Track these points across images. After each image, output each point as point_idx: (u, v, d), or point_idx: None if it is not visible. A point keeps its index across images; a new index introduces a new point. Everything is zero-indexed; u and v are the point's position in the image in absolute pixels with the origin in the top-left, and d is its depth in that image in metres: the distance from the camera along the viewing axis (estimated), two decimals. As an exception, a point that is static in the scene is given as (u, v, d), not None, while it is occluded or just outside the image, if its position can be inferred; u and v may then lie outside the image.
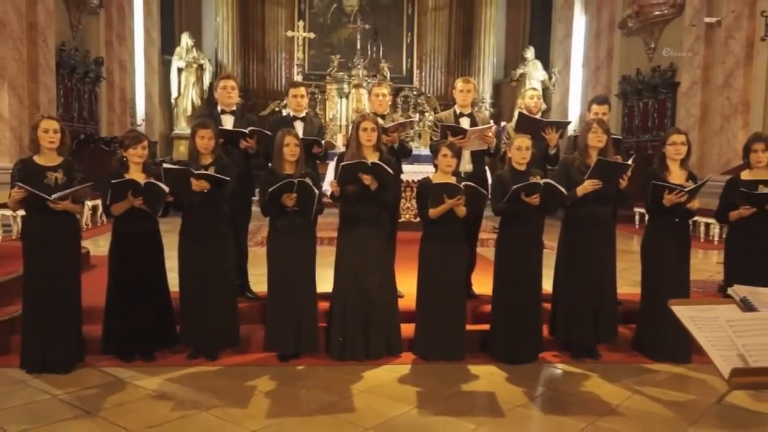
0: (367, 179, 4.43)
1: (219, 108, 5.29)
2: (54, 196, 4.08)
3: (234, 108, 5.32)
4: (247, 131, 4.95)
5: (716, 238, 8.90)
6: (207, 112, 5.69)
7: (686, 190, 4.54)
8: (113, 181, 4.27)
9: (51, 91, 10.13)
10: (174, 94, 15.24)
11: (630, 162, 4.67)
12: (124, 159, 4.44)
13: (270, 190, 4.35)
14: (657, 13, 12.19)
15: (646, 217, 5.09)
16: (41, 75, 9.81)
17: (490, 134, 5.20)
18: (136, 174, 4.40)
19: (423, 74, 17.00)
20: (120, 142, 4.68)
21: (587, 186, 4.54)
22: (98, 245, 7.34)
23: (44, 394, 3.93)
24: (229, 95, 5.26)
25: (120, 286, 4.45)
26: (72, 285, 4.35)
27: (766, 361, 1.68)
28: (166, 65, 15.21)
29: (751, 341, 1.74)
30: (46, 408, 3.74)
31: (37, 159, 4.26)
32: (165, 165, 4.54)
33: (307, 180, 4.44)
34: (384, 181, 4.48)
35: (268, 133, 5.05)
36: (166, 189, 4.35)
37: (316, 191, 4.45)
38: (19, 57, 9.26)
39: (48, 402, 3.83)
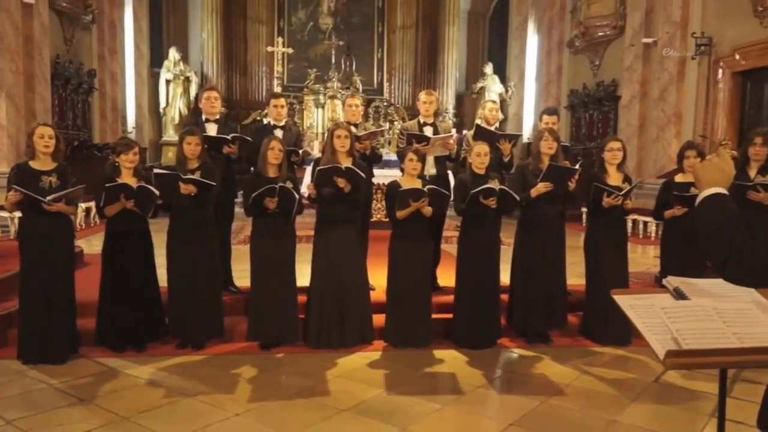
0: (341, 182, 4.43)
1: (203, 117, 5.23)
2: (48, 198, 4.00)
3: (217, 117, 5.26)
4: (229, 138, 4.90)
5: (653, 235, 9.06)
6: (192, 120, 5.62)
7: (620, 194, 4.63)
8: (107, 185, 4.21)
9: (46, 101, 9.93)
10: (162, 104, 15.04)
11: (577, 167, 4.74)
12: (117, 164, 4.37)
13: (253, 195, 4.32)
14: (600, 34, 12.36)
15: (592, 216, 5.15)
16: (37, 85, 9.62)
17: (451, 142, 5.22)
18: (127, 178, 4.33)
19: (392, 87, 17.01)
20: (112, 148, 4.61)
21: (540, 188, 4.59)
22: (91, 244, 7.20)
23: (40, 384, 3.84)
24: (213, 105, 5.20)
25: (113, 281, 4.38)
26: (66, 281, 4.27)
27: (696, 344, 1.71)
28: (154, 77, 14.99)
29: (683, 326, 1.77)
30: (43, 396, 3.66)
31: (32, 164, 4.17)
32: (156, 170, 4.48)
33: (288, 184, 4.43)
34: (356, 183, 4.48)
35: (249, 139, 5.01)
36: (157, 192, 4.29)
37: (296, 195, 4.43)
38: (16, 69, 9.08)
39: (44, 391, 3.75)
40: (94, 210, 8.83)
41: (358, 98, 5.57)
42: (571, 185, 4.65)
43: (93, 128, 12.33)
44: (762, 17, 8.47)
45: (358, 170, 4.44)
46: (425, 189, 4.44)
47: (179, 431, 3.21)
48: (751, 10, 8.62)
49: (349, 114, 5.39)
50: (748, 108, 9.16)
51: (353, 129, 5.01)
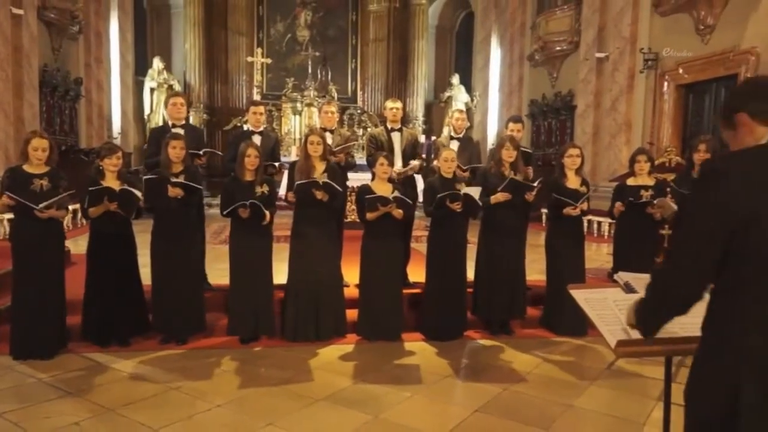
0: (318, 194, 4.42)
1: (170, 122, 5.15)
2: (41, 205, 3.91)
3: (183, 122, 5.18)
4: (201, 152, 4.85)
5: (606, 234, 9.21)
6: (160, 125, 5.52)
7: (576, 204, 4.72)
8: (91, 188, 4.12)
9: (34, 108, 9.71)
10: (147, 110, 14.79)
11: (536, 184, 4.75)
12: (101, 168, 4.29)
13: (225, 212, 4.36)
14: (557, 48, 12.53)
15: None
16: (26, 93, 9.40)
17: (416, 169, 5.28)
18: (111, 181, 4.26)
19: (365, 95, 17.01)
20: (97, 152, 4.52)
21: (499, 197, 4.64)
22: (78, 244, 7.02)
23: (30, 378, 3.76)
24: (179, 110, 5.12)
25: (97, 280, 4.29)
26: (56, 280, 4.18)
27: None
28: (139, 85, 14.75)
29: (632, 318, 1.80)
30: (33, 390, 3.58)
31: (25, 167, 4.09)
32: (145, 177, 4.40)
33: (264, 188, 4.44)
34: (333, 194, 4.48)
35: (219, 153, 4.96)
36: (139, 194, 4.22)
37: (266, 211, 4.38)
38: (5, 77, 8.87)
39: (34, 384, 3.66)
40: (80, 212, 8.65)
41: (333, 105, 5.56)
42: (529, 197, 4.70)
43: (80, 134, 12.08)
44: (703, 35, 8.69)
45: (334, 184, 4.44)
46: (391, 197, 4.44)
47: (163, 422, 3.16)
48: (693, 28, 8.83)
49: (325, 120, 5.38)
50: (690, 117, 9.39)
51: (329, 134, 5.03)
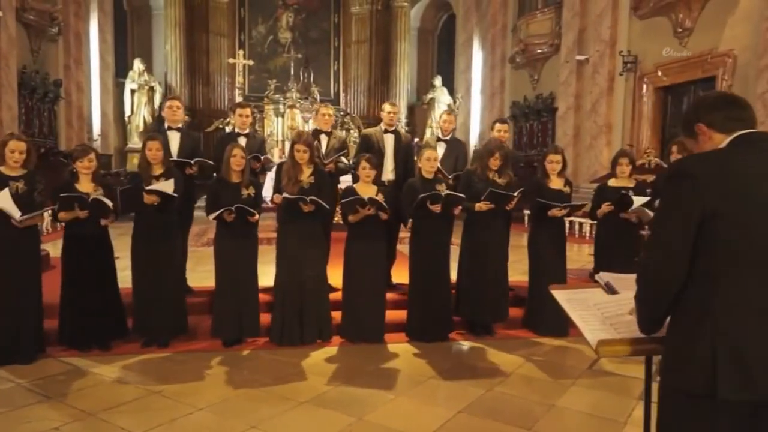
0: (306, 207, 4.42)
1: (166, 125, 5.11)
2: (23, 217, 3.86)
3: (180, 125, 5.14)
4: (192, 162, 4.81)
5: (587, 235, 9.30)
6: (156, 127, 5.46)
7: (563, 205, 4.77)
8: (61, 194, 4.06)
9: (13, 110, 9.57)
10: (127, 112, 14.66)
11: (515, 194, 4.77)
12: (74, 170, 4.22)
13: (212, 217, 4.35)
14: (539, 51, 12.65)
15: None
16: (4, 95, 9.26)
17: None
18: (86, 183, 4.20)
19: (348, 97, 17.03)
20: (69, 154, 4.46)
21: (482, 206, 4.67)
22: (57, 248, 6.92)
23: (9, 383, 3.69)
24: (175, 113, 5.08)
25: (72, 283, 4.23)
26: (33, 284, 4.11)
27: (625, 333, 1.77)
28: (119, 87, 14.61)
29: (614, 318, 1.83)
30: (11, 395, 3.51)
31: (2, 169, 4.02)
32: (120, 188, 4.34)
33: (251, 190, 4.44)
34: (320, 205, 4.47)
35: (211, 162, 4.92)
36: (110, 204, 4.16)
37: (254, 211, 4.37)
38: (-17, 79, 8.72)
39: (13, 389, 3.60)
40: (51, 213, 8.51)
41: (331, 108, 5.64)
42: (510, 206, 4.74)
43: (59, 136, 11.93)
44: (681, 38, 8.82)
45: (321, 201, 4.44)
46: (366, 198, 4.44)
47: (145, 426, 3.12)
48: (671, 31, 8.96)
49: (321, 122, 5.41)
50: (669, 119, 9.52)
51: (324, 137, 5.13)
